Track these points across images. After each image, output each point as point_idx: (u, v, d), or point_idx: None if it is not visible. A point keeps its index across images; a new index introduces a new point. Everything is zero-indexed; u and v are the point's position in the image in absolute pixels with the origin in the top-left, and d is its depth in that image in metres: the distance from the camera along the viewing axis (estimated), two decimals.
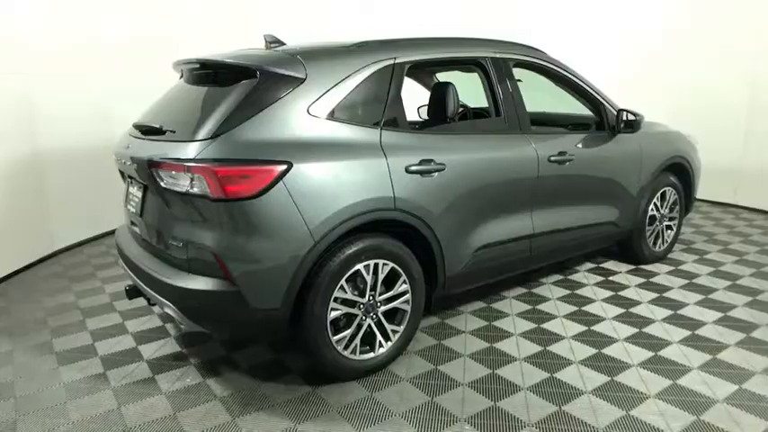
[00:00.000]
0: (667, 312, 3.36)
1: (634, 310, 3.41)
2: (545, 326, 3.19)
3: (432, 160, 2.71)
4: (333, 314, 2.49)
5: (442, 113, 2.97)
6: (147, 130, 2.61)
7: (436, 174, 2.72)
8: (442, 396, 2.50)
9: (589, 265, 4.22)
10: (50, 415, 2.40)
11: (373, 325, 2.65)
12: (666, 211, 4.21)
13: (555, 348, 2.92)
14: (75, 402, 2.50)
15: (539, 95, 3.77)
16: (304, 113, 2.42)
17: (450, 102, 2.97)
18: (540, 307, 3.45)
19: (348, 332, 2.56)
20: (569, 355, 2.84)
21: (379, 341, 2.68)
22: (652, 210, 4.08)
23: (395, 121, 2.70)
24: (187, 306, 2.36)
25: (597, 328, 3.16)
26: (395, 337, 2.74)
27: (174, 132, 2.43)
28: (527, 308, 3.44)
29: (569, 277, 3.98)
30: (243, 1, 5.33)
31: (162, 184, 2.35)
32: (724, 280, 3.87)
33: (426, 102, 4.43)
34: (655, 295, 3.64)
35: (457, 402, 2.45)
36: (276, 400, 2.49)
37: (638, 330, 3.12)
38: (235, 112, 2.34)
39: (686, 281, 3.88)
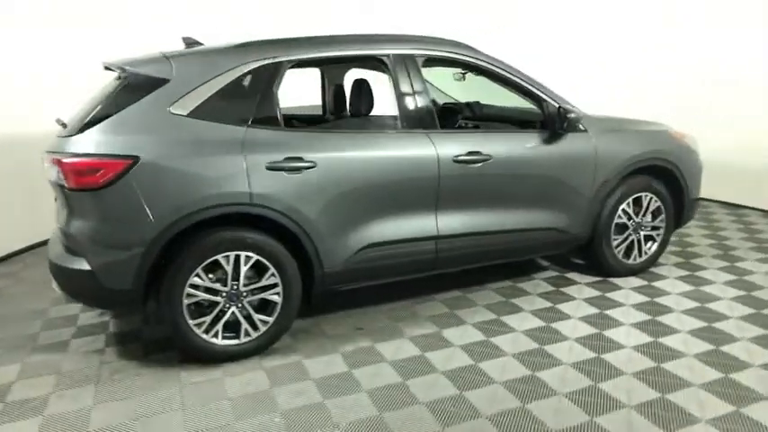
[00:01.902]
0: (586, 332, 3.06)
1: (556, 325, 3.15)
2: (444, 333, 3.09)
3: (300, 158, 2.75)
4: (190, 299, 2.67)
5: (340, 110, 2.98)
6: (61, 125, 2.97)
7: (304, 171, 2.75)
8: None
9: (549, 274, 3.93)
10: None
11: (238, 313, 2.78)
12: (644, 219, 3.76)
13: (432, 356, 2.83)
14: None
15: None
16: (164, 112, 2.61)
17: (353, 99, 2.98)
18: (459, 312, 3.33)
19: (208, 318, 2.73)
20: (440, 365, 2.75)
21: (245, 329, 2.81)
22: (621, 217, 3.68)
23: (266, 118, 2.77)
24: (60, 282, 2.69)
25: (496, 340, 2.99)
26: (264, 327, 2.84)
27: (65, 128, 2.75)
28: (444, 310, 3.34)
29: (518, 284, 3.74)
30: (243, 1, 5.62)
31: (48, 174, 2.68)
32: (692, 316, 3.29)
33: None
34: (594, 311, 3.31)
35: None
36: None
37: (538, 347, 2.90)
38: (100, 110, 2.60)
39: (643, 300, 3.46)
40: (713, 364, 2.68)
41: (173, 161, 2.56)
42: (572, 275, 3.88)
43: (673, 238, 4.62)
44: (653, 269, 3.94)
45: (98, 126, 2.55)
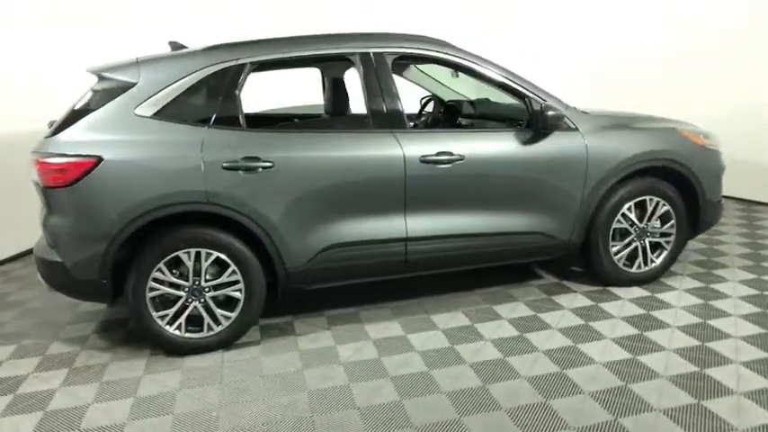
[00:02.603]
0: (559, 344, 2.86)
1: (529, 335, 2.98)
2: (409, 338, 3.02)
3: (257, 157, 2.79)
4: (153, 292, 2.80)
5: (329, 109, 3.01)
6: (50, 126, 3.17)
7: (261, 171, 2.79)
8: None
9: (548, 280, 3.72)
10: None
11: (200, 308, 2.87)
12: (650, 224, 3.46)
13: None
14: None
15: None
16: (129, 114, 2.74)
17: (328, 98, 2.99)
18: (434, 317, 3.24)
19: (171, 310, 2.84)
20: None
21: (208, 324, 2.90)
22: (620, 222, 3.41)
23: (227, 119, 2.83)
24: (41, 273, 2.91)
25: (459, 347, 2.88)
26: (226, 323, 2.92)
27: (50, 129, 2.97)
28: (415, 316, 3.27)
29: (510, 290, 3.58)
30: (243, 1, 5.73)
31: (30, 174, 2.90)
32: (687, 333, 3.01)
33: (428, 94, 4.44)
34: (578, 322, 3.10)
35: None
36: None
37: (501, 357, 2.76)
38: (75, 113, 2.78)
39: (637, 313, 3.18)
40: (689, 389, 2.42)
41: (134, 161, 2.68)
42: (568, 284, 3.65)
43: (700, 244, 4.25)
44: (664, 279, 3.62)
45: (70, 128, 2.72)
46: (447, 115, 4.24)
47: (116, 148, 2.68)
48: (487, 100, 4.06)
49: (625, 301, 3.36)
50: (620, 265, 3.48)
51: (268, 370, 2.75)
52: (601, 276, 3.52)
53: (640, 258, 3.51)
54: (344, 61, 3.08)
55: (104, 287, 2.77)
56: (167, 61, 2.86)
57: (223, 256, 2.84)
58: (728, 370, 2.55)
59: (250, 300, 2.93)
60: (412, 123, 4.36)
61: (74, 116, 2.76)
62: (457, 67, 3.23)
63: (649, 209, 3.44)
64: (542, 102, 3.16)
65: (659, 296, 3.39)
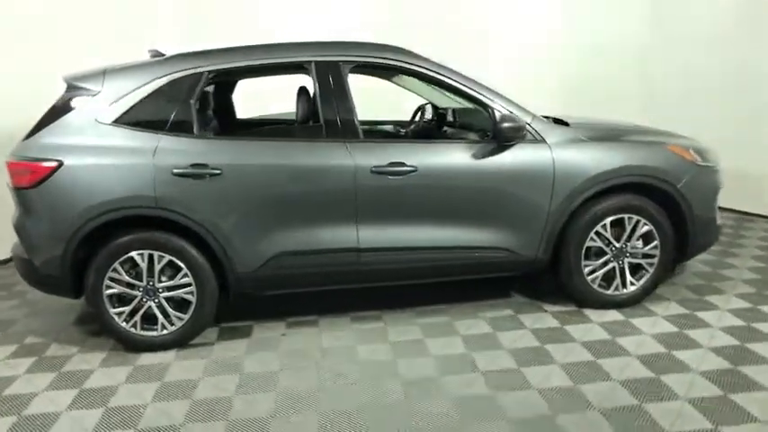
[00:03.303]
0: (502, 366, 2.75)
1: (477, 354, 2.88)
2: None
3: (206, 165, 2.87)
4: (110, 290, 2.95)
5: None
6: None
7: (209, 178, 2.87)
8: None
9: (519, 298, 3.57)
10: None
11: (154, 307, 3.00)
12: (630, 244, 3.24)
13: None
14: None
15: None
16: (91, 120, 2.90)
17: (297, 107, 3.08)
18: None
19: (127, 308, 2.98)
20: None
21: (162, 323, 3.02)
22: (594, 240, 3.22)
23: (181, 126, 2.93)
24: (17, 268, 3.14)
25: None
26: (179, 323, 3.03)
27: None
28: (372, 325, 3.24)
29: (478, 306, 3.47)
30: (242, 1, 5.83)
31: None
32: (644, 364, 2.79)
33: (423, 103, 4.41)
34: (534, 344, 2.96)
35: None
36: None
37: (437, 376, 2.69)
38: (43, 119, 2.97)
39: (600, 339, 2.99)
40: (618, 424, 2.26)
41: (91, 166, 2.84)
42: (542, 303, 3.48)
43: (704, 267, 3.94)
44: (648, 303, 3.38)
45: (39, 132, 2.92)
46: (440, 123, 4.18)
47: (77, 152, 2.85)
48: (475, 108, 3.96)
49: (595, 324, 3.17)
50: (595, 285, 3.29)
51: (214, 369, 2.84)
52: (573, 297, 3.35)
53: (618, 280, 3.30)
54: (301, 69, 3.10)
55: (67, 283, 2.95)
56: (129, 70, 3.00)
57: (175, 260, 2.94)
58: (670, 407, 2.35)
59: (202, 302, 3.02)
60: (403, 131, 4.37)
61: (44, 121, 2.95)
62: (417, 76, 3.17)
63: (628, 228, 3.23)
64: (501, 112, 3.04)
65: (634, 321, 3.18)
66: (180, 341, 3.07)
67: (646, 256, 3.30)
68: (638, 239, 3.27)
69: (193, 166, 2.87)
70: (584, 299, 3.33)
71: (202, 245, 2.97)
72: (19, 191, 2.89)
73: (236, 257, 2.98)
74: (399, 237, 3.08)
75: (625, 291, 3.33)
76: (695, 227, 3.28)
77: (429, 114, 4.41)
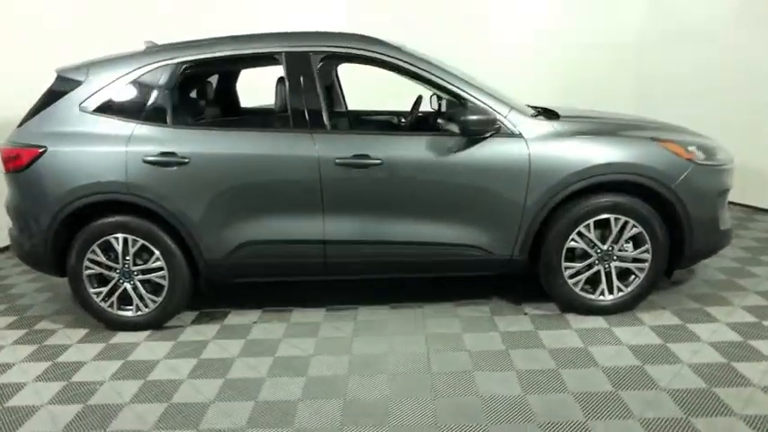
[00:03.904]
0: (448, 369, 2.63)
1: (435, 357, 2.79)
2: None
3: (174, 153, 2.93)
4: (89, 271, 3.10)
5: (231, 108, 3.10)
6: None
7: (177, 166, 2.93)
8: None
9: (497, 301, 3.41)
10: None
11: (130, 289, 3.12)
12: (617, 247, 3.01)
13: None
14: None
15: None
16: (75, 109, 3.04)
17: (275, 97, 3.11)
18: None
19: (104, 289, 3.13)
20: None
21: (137, 305, 3.15)
22: (576, 241, 3.01)
23: (155, 115, 3.01)
24: (11, 246, 3.36)
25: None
26: (152, 306, 3.14)
27: None
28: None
29: (458, 304, 3.36)
30: (242, 1, 5.85)
31: None
32: (609, 375, 2.62)
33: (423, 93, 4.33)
34: (498, 348, 2.82)
35: None
36: None
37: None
38: (35, 107, 3.14)
39: (572, 347, 2.80)
40: None
41: (71, 152, 2.98)
42: (526, 305, 3.31)
43: (719, 275, 3.61)
44: (639, 310, 3.14)
45: (30, 120, 3.10)
46: (437, 115, 4.06)
47: (60, 139, 3.01)
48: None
49: (572, 331, 2.98)
50: (578, 289, 3.09)
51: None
52: (556, 300, 3.16)
53: (603, 285, 3.08)
54: (272, 60, 3.10)
55: (50, 262, 3.13)
56: (111, 61, 3.12)
57: (147, 244, 3.05)
58: (620, 426, 2.17)
59: (174, 287, 3.11)
60: (403, 120, 4.28)
61: (34, 110, 3.13)
62: (387, 67, 3.08)
63: (614, 229, 3.00)
64: (475, 104, 2.90)
65: (615, 330, 2.96)
66: (153, 323, 3.18)
67: (636, 260, 3.05)
68: (627, 242, 3.03)
69: (163, 154, 2.94)
70: (566, 303, 3.13)
71: (174, 231, 3.05)
72: (8, 174, 3.09)
73: (204, 245, 3.04)
74: (366, 230, 3.03)
75: (611, 297, 3.10)
76: (692, 231, 2.99)
77: (434, 105, 4.30)
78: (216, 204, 2.99)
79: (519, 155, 2.92)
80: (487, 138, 2.92)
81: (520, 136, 2.94)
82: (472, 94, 2.97)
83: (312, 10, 6.00)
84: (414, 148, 2.98)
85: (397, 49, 3.04)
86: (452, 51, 4.07)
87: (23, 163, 3.01)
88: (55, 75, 3.17)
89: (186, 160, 2.94)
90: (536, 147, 2.92)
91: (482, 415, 2.29)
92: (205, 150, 2.97)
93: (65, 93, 3.08)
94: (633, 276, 3.08)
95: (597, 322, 3.05)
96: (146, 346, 3.01)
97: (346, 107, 4.51)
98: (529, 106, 3.37)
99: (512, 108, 2.99)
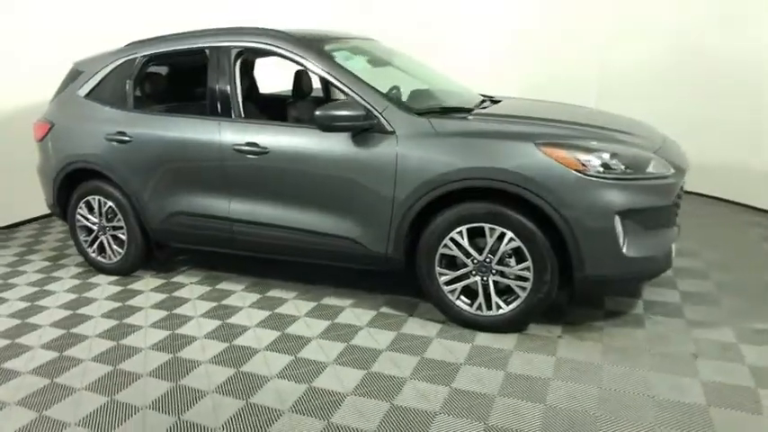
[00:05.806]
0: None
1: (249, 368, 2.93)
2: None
3: (124, 132, 3.54)
4: (79, 224, 3.93)
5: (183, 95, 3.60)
6: None
7: (126, 143, 3.54)
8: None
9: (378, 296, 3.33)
10: None
11: (105, 241, 3.88)
12: (496, 259, 2.74)
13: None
14: None
15: None
16: (75, 94, 3.85)
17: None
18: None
19: (89, 238, 3.93)
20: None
21: (109, 254, 3.89)
22: (449, 248, 2.82)
23: (122, 101, 3.65)
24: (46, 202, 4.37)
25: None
26: (118, 257, 3.86)
27: None
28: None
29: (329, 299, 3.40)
30: (242, 1, 5.97)
31: None
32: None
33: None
34: (340, 345, 2.84)
35: None
36: None
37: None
38: (57, 90, 4.04)
39: (345, 359, 2.66)
40: None
41: (66, 128, 3.81)
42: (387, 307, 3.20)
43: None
44: (533, 328, 2.83)
45: (52, 101, 4.02)
46: None
47: (63, 118, 3.87)
48: (427, 91, 3.71)
49: (434, 340, 2.84)
50: (453, 298, 2.91)
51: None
52: (436, 307, 3.02)
53: (481, 298, 2.85)
54: (203, 54, 3.46)
55: (57, 210, 4.05)
56: (100, 56, 3.85)
57: (112, 205, 3.75)
58: None
59: (130, 242, 3.76)
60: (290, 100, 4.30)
61: (57, 93, 4.03)
62: (293, 61, 3.21)
63: (489, 240, 2.74)
64: (348, 99, 2.91)
65: (501, 350, 2.73)
66: (119, 270, 3.91)
67: (518, 278, 2.76)
68: (509, 256, 2.75)
69: (118, 133, 3.58)
70: (444, 311, 2.98)
71: (129, 198, 3.70)
72: (37, 142, 4.06)
73: (145, 211, 3.63)
74: (261, 212, 3.27)
75: (490, 313, 2.85)
76: (580, 252, 2.58)
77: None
78: (150, 177, 3.53)
79: (388, 153, 2.85)
80: (362, 133, 2.91)
81: (393, 133, 2.86)
82: (355, 90, 2.97)
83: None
84: (296, 139, 3.10)
85: (301, 44, 3.17)
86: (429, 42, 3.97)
87: (41, 135, 3.94)
88: (71, 66, 4.04)
89: (130, 139, 3.53)
90: (405, 145, 2.82)
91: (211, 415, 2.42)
92: (144, 131, 3.52)
93: (73, 80, 3.92)
94: (515, 294, 2.79)
95: (485, 340, 2.84)
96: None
97: (259, 96, 4.58)
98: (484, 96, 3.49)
99: (390, 106, 2.91)
